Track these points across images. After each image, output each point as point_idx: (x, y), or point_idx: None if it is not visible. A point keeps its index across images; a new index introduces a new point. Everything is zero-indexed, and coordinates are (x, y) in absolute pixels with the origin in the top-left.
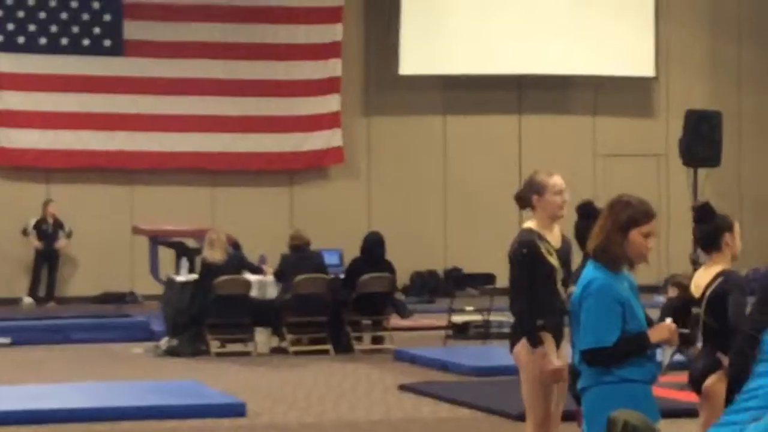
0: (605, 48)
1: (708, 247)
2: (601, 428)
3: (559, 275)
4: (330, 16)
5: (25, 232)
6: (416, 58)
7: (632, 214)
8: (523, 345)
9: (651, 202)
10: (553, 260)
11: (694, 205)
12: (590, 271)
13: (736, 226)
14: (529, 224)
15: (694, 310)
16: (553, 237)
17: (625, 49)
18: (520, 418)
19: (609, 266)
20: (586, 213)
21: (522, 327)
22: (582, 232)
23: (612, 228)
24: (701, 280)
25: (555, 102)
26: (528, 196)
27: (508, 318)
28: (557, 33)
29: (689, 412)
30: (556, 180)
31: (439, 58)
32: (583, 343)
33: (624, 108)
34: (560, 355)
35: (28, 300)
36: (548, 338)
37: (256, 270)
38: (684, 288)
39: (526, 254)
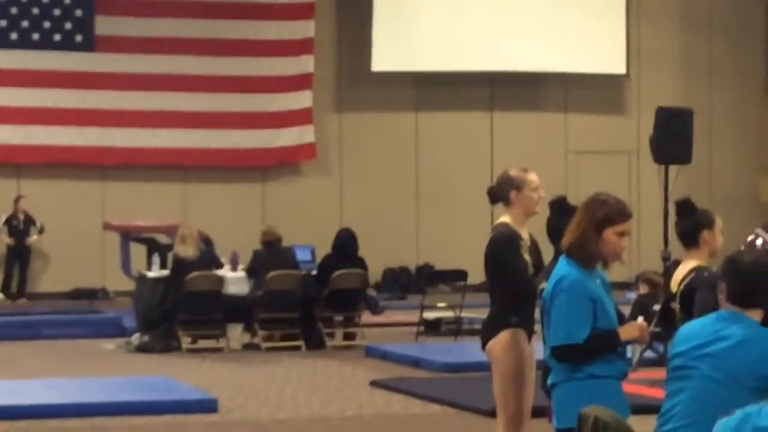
0: (576, 45)
1: (686, 243)
2: (571, 424)
3: (529, 271)
4: (302, 12)
5: None
6: (388, 54)
7: (608, 213)
8: (497, 340)
9: (622, 200)
10: (527, 256)
11: (676, 200)
12: (563, 268)
13: (718, 222)
14: (505, 220)
15: (672, 305)
16: (525, 234)
17: (597, 46)
18: (492, 414)
19: (582, 263)
20: (559, 209)
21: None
22: (554, 228)
23: (587, 225)
24: (678, 276)
25: (527, 99)
26: (505, 191)
27: (479, 314)
28: (529, 30)
29: (660, 409)
30: (533, 176)
31: (411, 54)
32: (554, 340)
33: (595, 105)
34: (530, 351)
35: None
36: (521, 334)
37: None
38: (654, 284)
39: (512, 247)
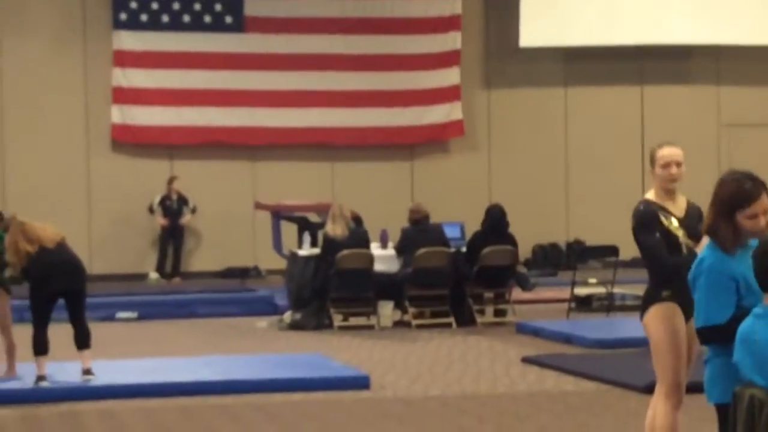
0: (727, 16)
1: None
2: (718, 399)
3: (685, 243)
4: None
5: (150, 209)
6: (536, 29)
7: (734, 196)
8: (648, 313)
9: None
10: (675, 228)
11: None
12: (705, 249)
13: None
14: (648, 196)
15: None
16: (676, 206)
17: (748, 17)
18: (647, 390)
19: (722, 247)
20: None
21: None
22: None
23: (718, 210)
24: None
25: (677, 72)
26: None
27: (631, 290)
28: (679, 2)
29: None
30: (665, 152)
31: (559, 29)
32: (697, 322)
33: (748, 77)
34: (689, 327)
35: (154, 275)
36: (672, 308)
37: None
38: None
39: (644, 224)
